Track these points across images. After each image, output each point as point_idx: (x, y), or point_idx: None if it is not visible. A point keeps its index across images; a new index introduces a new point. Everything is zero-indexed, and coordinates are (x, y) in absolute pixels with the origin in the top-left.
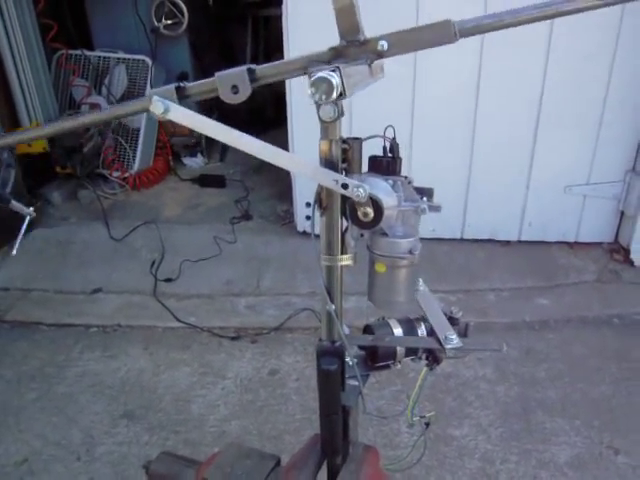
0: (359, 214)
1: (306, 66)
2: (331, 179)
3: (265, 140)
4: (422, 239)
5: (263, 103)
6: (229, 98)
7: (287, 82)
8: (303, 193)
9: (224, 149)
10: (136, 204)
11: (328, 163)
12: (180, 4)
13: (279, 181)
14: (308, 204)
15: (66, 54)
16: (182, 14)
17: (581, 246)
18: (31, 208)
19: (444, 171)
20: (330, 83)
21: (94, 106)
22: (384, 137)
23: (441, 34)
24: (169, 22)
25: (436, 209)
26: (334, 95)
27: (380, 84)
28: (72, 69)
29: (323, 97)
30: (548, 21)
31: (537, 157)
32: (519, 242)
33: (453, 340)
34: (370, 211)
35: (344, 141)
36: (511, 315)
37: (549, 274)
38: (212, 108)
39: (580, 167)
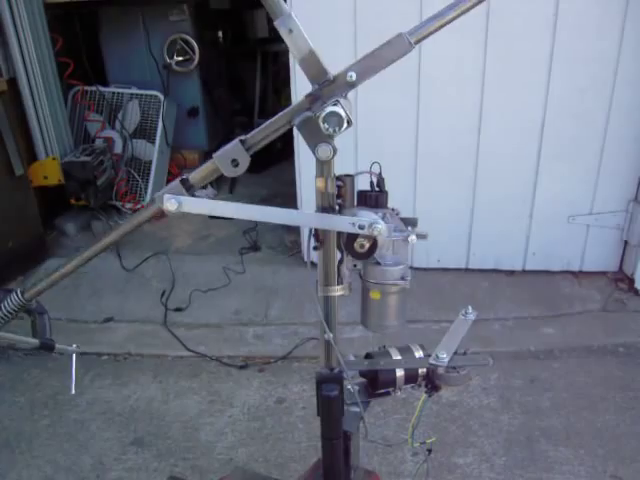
0: (355, 246)
1: (290, 119)
2: (348, 223)
3: (274, 172)
4: (428, 269)
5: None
6: (232, 172)
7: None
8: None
9: (233, 181)
10: (147, 235)
11: (324, 199)
12: (191, 41)
13: None
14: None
15: (82, 90)
16: (193, 51)
17: (585, 275)
18: (74, 345)
19: (448, 202)
20: (339, 115)
21: (108, 140)
22: (370, 173)
23: (398, 47)
24: (181, 59)
25: (423, 237)
26: (345, 125)
27: (386, 118)
28: (87, 104)
29: (337, 129)
30: (547, 55)
31: (540, 188)
32: (523, 272)
33: (443, 358)
34: (366, 243)
35: (338, 178)
36: (516, 344)
37: (554, 303)
38: (223, 143)
39: (583, 197)
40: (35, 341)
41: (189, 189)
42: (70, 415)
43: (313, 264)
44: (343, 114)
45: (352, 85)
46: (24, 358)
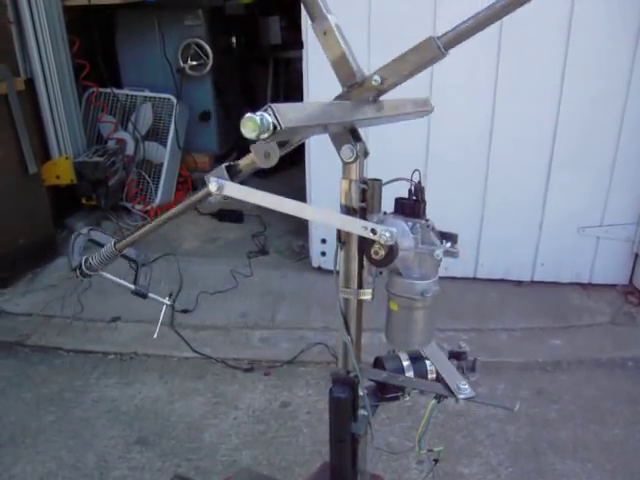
0: (372, 252)
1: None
2: (360, 226)
3: (285, 177)
4: None
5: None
6: (264, 163)
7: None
8: (318, 229)
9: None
10: (156, 236)
11: (348, 201)
12: (205, 46)
13: (295, 217)
14: (323, 240)
15: (97, 92)
16: (207, 56)
17: (595, 288)
18: (166, 298)
19: (458, 210)
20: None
21: (120, 141)
22: (410, 180)
23: (428, 53)
24: (194, 63)
25: (453, 255)
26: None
27: (397, 124)
28: (101, 106)
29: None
30: (560, 65)
31: (550, 198)
32: (532, 282)
33: (466, 390)
34: (381, 250)
35: (364, 182)
36: (523, 355)
37: (562, 315)
38: (234, 148)
39: (593, 209)
40: (131, 286)
41: (232, 176)
42: (75, 412)
43: (321, 269)
44: None
45: (379, 89)
46: (31, 354)
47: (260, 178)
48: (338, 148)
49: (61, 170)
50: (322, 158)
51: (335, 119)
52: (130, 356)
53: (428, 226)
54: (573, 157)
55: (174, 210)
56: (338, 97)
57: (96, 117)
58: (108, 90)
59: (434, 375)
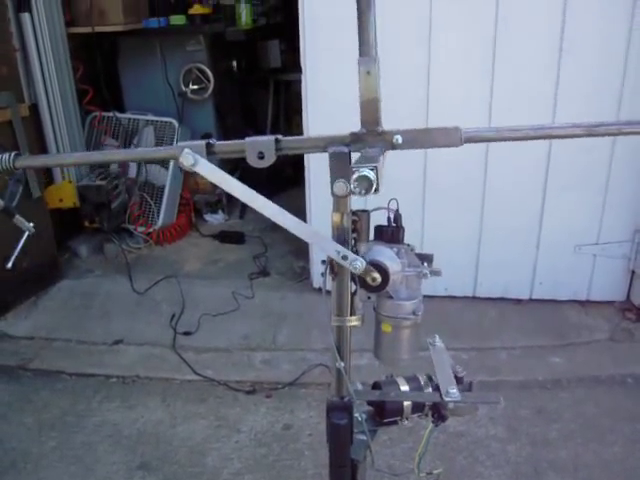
0: (368, 279)
1: (327, 145)
2: (333, 249)
3: (283, 198)
4: (435, 297)
5: (282, 162)
6: (255, 162)
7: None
8: (319, 251)
9: (244, 207)
10: (159, 258)
11: (339, 233)
12: (207, 71)
13: (296, 238)
14: (324, 261)
15: (100, 116)
16: (208, 80)
17: (593, 305)
18: (31, 224)
19: (456, 231)
20: (370, 181)
21: (123, 164)
22: (388, 209)
23: (449, 138)
24: (196, 87)
25: (436, 273)
26: (372, 191)
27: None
28: (104, 129)
29: (363, 191)
30: (553, 85)
31: (546, 218)
32: (531, 300)
33: (454, 394)
34: (378, 277)
35: (354, 213)
36: (523, 374)
37: (561, 333)
38: (236, 168)
39: (589, 227)
40: (1, 202)
41: (210, 154)
42: (77, 437)
43: (322, 291)
44: (373, 180)
45: (394, 147)
46: (33, 378)
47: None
48: (332, 181)
49: (64, 193)
50: (322, 181)
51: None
52: (132, 379)
53: (412, 250)
54: (568, 178)
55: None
56: (353, 134)
57: (99, 140)
58: (111, 114)
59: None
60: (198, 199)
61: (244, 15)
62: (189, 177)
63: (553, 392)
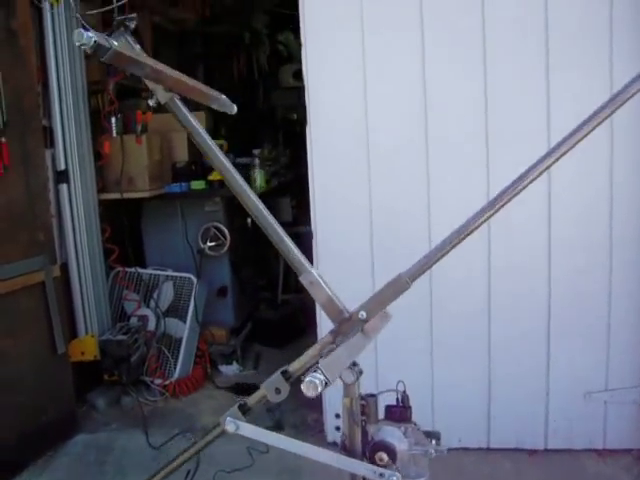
0: (375, 458)
1: (320, 353)
2: (371, 471)
3: (294, 350)
4: (449, 449)
5: (293, 312)
6: (275, 398)
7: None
8: (332, 404)
9: (258, 358)
10: (175, 411)
11: (350, 416)
12: (223, 229)
13: None
14: (337, 415)
15: (123, 272)
16: (225, 237)
17: (610, 453)
18: None
19: (465, 381)
20: (315, 384)
21: (143, 318)
22: (397, 390)
23: (398, 286)
24: (213, 244)
25: (442, 452)
26: (319, 390)
27: (399, 305)
28: (126, 285)
29: (313, 393)
30: (545, 241)
31: (553, 365)
32: (546, 450)
33: None
34: (385, 457)
35: (362, 398)
36: None
37: None
38: (248, 320)
39: (596, 373)
40: None
41: (245, 412)
42: None
43: (336, 444)
44: (318, 383)
45: (365, 321)
46: None
47: (276, 348)
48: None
49: (86, 347)
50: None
51: None
52: None
53: (419, 428)
54: (569, 325)
55: (191, 451)
56: (332, 331)
57: (121, 295)
58: (133, 269)
59: None
60: (213, 350)
61: (258, 179)
62: (204, 328)
63: None
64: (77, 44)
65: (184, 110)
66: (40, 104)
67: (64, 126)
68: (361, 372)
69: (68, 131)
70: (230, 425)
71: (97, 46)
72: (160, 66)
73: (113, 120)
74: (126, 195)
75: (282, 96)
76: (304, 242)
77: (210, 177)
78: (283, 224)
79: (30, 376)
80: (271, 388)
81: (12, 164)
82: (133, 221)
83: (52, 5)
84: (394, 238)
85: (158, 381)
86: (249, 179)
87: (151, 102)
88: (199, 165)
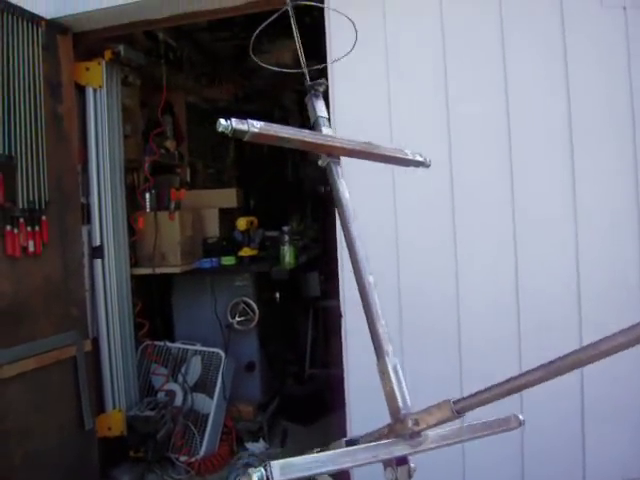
0: None
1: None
2: None
3: (322, 425)
4: None
5: (320, 388)
6: None
7: (345, 359)
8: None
9: (285, 435)
10: None
11: None
12: (252, 304)
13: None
14: None
15: (152, 346)
16: (253, 312)
17: None
18: None
19: (496, 471)
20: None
21: (170, 393)
22: None
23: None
24: (242, 319)
25: None
26: None
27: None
28: (155, 359)
29: None
30: (577, 324)
31: (588, 451)
32: None
33: None
34: None
35: None
36: None
37: None
38: (275, 395)
39: (634, 459)
40: None
41: None
42: None
43: None
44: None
45: (414, 430)
46: None
47: (302, 425)
48: (384, 467)
49: (113, 422)
50: (364, 403)
51: None
52: None
53: None
54: (604, 410)
55: None
56: (386, 426)
57: (149, 369)
58: (162, 343)
59: None
60: (240, 427)
61: (287, 256)
62: (231, 405)
63: None
64: (219, 130)
65: (335, 175)
66: (80, 183)
67: (101, 203)
68: (410, 475)
69: (105, 207)
70: None
71: (234, 131)
72: (319, 137)
73: (147, 196)
74: (158, 270)
75: (310, 169)
76: (332, 316)
77: (240, 253)
78: (312, 299)
79: (56, 451)
80: None
81: (51, 241)
82: (164, 295)
83: (95, 90)
84: (421, 317)
85: (184, 458)
86: (278, 255)
87: (319, 162)
88: (230, 241)
